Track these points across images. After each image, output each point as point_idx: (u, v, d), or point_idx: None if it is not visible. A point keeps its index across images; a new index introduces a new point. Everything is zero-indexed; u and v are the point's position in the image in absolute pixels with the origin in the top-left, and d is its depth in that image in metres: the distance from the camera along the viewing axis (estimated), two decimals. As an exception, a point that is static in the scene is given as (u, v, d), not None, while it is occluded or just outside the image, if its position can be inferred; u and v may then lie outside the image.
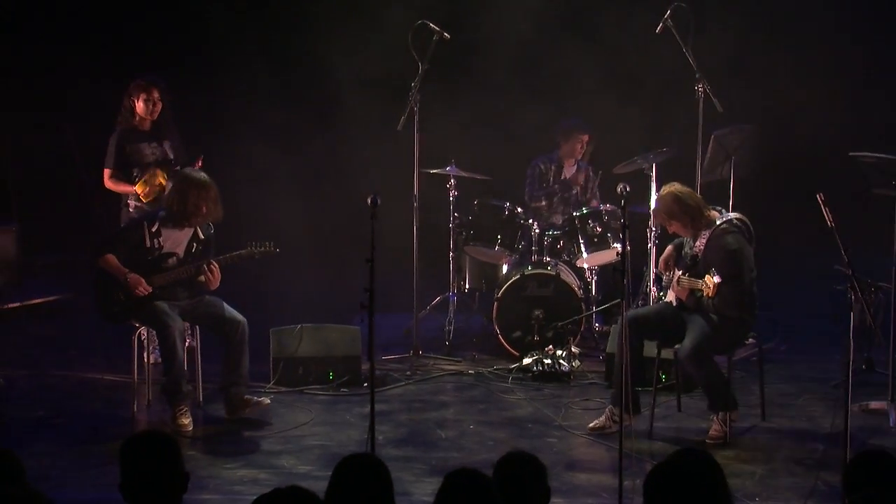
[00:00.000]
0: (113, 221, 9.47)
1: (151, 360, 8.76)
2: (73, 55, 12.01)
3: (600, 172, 10.66)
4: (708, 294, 7.70)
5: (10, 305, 11.26)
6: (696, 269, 7.93)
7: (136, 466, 4.34)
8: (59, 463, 7.40)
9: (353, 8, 11.69)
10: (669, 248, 8.29)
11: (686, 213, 7.94)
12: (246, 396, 8.31)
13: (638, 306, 9.68)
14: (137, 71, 9.57)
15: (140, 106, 9.23)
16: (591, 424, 8.13)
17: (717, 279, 7.65)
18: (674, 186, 8.09)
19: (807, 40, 11.61)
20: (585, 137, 10.71)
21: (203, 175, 8.41)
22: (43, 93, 12.03)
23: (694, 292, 7.90)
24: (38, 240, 12.17)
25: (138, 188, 9.12)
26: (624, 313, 6.88)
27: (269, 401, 8.38)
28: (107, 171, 9.30)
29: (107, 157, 9.30)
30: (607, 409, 8.06)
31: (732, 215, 8.04)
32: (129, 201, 9.29)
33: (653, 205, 9.39)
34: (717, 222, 7.93)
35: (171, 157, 9.28)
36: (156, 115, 9.29)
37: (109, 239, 8.57)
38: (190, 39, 12.04)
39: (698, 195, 8.20)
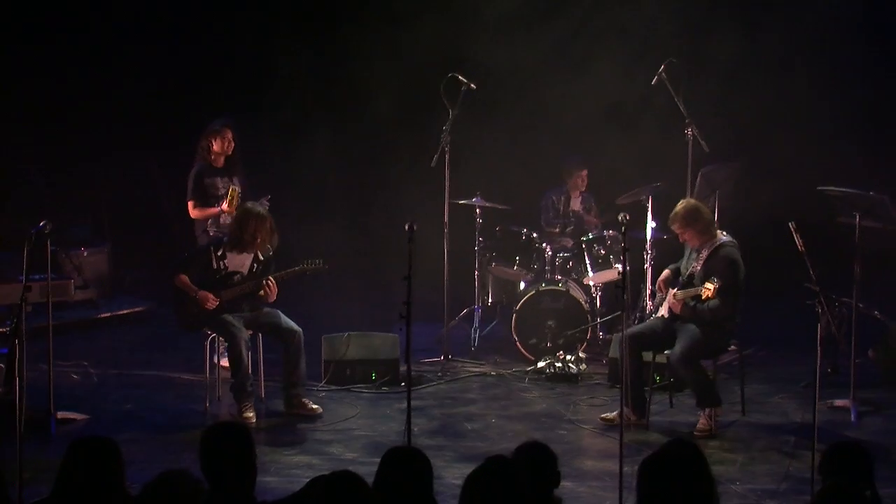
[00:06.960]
0: (192, 243, 9.50)
1: (221, 363, 8.81)
2: (158, 99, 12.14)
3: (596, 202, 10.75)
4: (708, 296, 7.66)
5: (103, 315, 11.36)
6: (692, 284, 7.93)
7: (217, 450, 4.37)
8: (144, 448, 7.47)
9: (396, 59, 11.75)
10: (667, 271, 8.30)
11: (701, 223, 7.95)
12: (304, 399, 8.35)
13: (636, 318, 9.70)
14: (210, 112, 9.61)
15: (218, 145, 9.30)
16: (604, 415, 8.18)
17: (717, 284, 7.65)
18: (693, 201, 8.15)
19: (785, 87, 11.60)
20: (584, 172, 10.78)
21: (261, 208, 8.49)
22: (131, 131, 12.15)
23: (688, 302, 7.90)
24: (127, 258, 12.26)
25: (225, 206, 9.15)
26: (624, 325, 6.90)
27: (321, 410, 8.34)
28: (191, 203, 9.32)
29: (189, 191, 9.32)
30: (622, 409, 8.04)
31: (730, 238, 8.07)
32: (206, 228, 9.36)
33: (649, 227, 9.44)
34: (721, 240, 7.97)
35: (239, 190, 9.34)
36: (230, 153, 9.38)
37: (182, 262, 8.64)
38: (258, 86, 12.17)
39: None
